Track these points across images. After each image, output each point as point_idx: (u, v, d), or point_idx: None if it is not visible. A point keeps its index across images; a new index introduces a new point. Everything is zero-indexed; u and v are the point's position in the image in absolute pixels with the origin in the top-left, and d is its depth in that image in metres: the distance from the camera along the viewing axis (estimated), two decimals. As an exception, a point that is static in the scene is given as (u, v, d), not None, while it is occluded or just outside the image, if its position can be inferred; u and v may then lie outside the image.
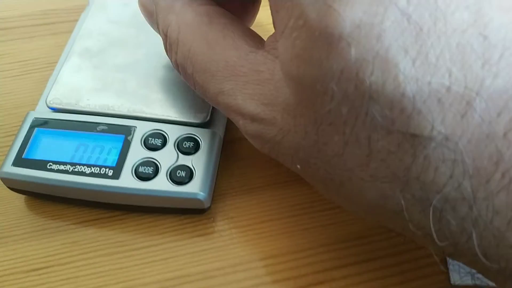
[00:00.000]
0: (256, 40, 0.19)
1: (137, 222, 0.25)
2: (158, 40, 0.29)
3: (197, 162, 0.24)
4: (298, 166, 0.18)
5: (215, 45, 0.19)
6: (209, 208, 0.25)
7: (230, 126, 0.29)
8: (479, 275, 0.22)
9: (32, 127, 0.25)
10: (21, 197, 0.26)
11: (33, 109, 0.30)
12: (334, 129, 0.15)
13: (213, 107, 0.26)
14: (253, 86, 0.18)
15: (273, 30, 0.19)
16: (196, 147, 0.24)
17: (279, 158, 0.19)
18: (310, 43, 0.15)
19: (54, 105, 0.26)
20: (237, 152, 0.28)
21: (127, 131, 0.24)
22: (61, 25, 0.36)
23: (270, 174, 0.27)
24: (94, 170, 0.23)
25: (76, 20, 0.36)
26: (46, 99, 0.26)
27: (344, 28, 0.14)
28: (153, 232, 0.25)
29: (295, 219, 0.26)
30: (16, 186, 0.24)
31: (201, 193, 0.23)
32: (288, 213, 0.26)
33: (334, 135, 0.15)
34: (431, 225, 0.15)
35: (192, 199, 0.23)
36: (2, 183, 0.26)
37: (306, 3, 0.14)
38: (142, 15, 0.24)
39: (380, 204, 0.16)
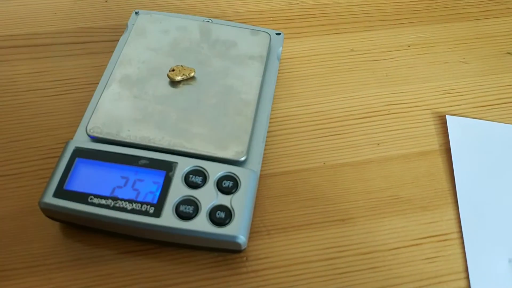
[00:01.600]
0: None
1: (171, 256, 0.25)
2: (198, 72, 0.29)
3: (236, 202, 0.24)
4: None
5: None
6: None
7: (264, 161, 0.29)
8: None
9: (73, 157, 0.25)
10: (56, 224, 0.26)
11: (70, 132, 0.30)
12: None
13: (250, 143, 0.26)
14: None
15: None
16: (235, 187, 0.24)
17: None
18: None
19: (95, 134, 0.26)
20: (270, 189, 0.28)
21: (169, 167, 0.24)
22: (96, 45, 0.36)
23: (305, 213, 0.27)
24: (136, 206, 0.23)
25: (111, 41, 0.36)
26: (86, 127, 0.26)
27: None
28: (187, 268, 0.25)
29: (331, 262, 0.25)
30: (55, 216, 0.24)
31: (241, 236, 0.23)
32: (324, 255, 0.26)
33: None
34: None
35: (231, 241, 0.23)
36: (37, 209, 0.26)
37: None
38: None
39: None
